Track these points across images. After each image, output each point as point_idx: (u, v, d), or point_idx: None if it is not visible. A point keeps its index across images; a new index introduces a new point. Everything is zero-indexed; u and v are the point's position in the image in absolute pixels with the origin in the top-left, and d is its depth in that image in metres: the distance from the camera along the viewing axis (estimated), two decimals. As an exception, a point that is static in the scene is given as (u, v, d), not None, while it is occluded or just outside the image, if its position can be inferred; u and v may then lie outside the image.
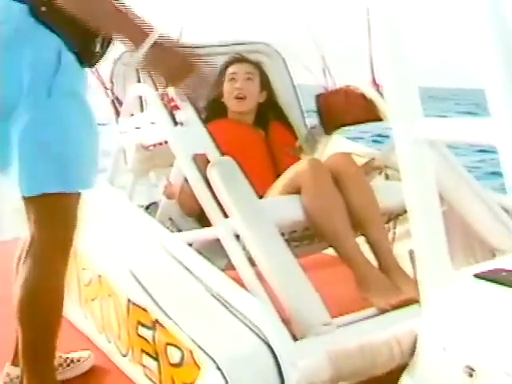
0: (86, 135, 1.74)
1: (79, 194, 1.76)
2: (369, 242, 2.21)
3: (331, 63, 2.88)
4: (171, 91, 2.26)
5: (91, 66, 1.82)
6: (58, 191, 1.68)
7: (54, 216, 1.74)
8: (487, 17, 1.10)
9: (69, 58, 1.68)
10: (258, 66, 2.77)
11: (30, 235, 1.75)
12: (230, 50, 2.94)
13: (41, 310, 1.77)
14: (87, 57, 1.75)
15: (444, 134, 1.33)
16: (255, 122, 2.70)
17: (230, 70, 2.69)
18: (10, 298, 1.81)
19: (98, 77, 2.67)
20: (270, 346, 1.61)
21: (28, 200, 1.71)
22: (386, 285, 2.05)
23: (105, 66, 2.78)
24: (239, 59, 2.76)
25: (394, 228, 2.61)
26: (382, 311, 1.92)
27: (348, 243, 2.14)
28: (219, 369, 1.57)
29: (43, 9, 1.62)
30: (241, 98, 2.65)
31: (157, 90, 2.35)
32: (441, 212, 1.37)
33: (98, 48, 1.75)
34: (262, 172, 2.46)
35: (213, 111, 2.70)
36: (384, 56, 1.31)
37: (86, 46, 1.72)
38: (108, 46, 1.79)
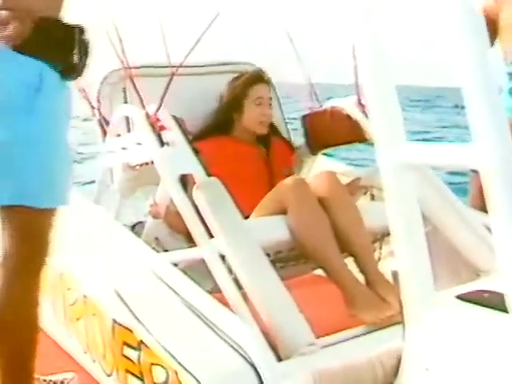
0: (59, 154, 1.76)
1: (53, 210, 1.77)
2: (355, 260, 2.23)
3: (317, 82, 2.90)
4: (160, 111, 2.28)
5: (75, 78, 1.84)
6: (24, 205, 1.69)
7: (24, 229, 1.75)
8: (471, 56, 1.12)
9: (51, 78, 1.70)
10: (270, 87, 2.80)
11: (3, 248, 1.75)
12: (215, 70, 2.96)
13: (14, 327, 1.76)
14: (69, 70, 1.78)
15: (427, 159, 1.35)
16: (257, 140, 2.71)
17: (257, 92, 2.68)
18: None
19: (85, 96, 2.68)
20: (254, 367, 1.62)
21: (1, 210, 1.72)
22: (374, 300, 2.07)
23: (92, 85, 2.81)
24: (262, 79, 2.75)
25: (380, 248, 2.62)
26: (368, 329, 1.93)
27: (334, 261, 2.15)
28: (204, 389, 1.58)
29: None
30: (265, 123, 2.68)
31: (144, 109, 2.36)
32: (424, 234, 1.39)
33: (76, 59, 1.77)
34: (259, 190, 2.45)
35: (216, 125, 2.70)
36: (368, 80, 1.33)
37: (65, 61, 1.75)
38: (86, 55, 1.81)
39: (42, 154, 1.71)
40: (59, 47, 1.74)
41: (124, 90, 2.69)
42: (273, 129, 2.81)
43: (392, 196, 1.38)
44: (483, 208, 2.53)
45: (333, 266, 2.15)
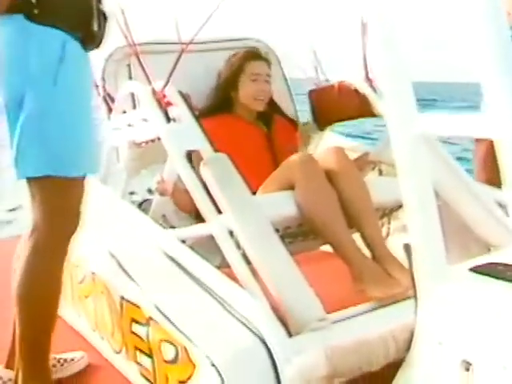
0: (86, 123, 1.80)
1: (82, 180, 1.78)
2: (362, 236, 2.21)
3: (322, 58, 2.87)
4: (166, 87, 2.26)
5: (97, 46, 1.89)
6: (54, 175, 1.72)
7: (53, 201, 1.76)
8: (484, 15, 1.09)
9: (73, 47, 1.75)
10: (268, 62, 2.75)
11: (33, 221, 1.77)
12: (222, 47, 2.93)
13: (38, 298, 1.78)
14: (90, 39, 1.83)
15: (440, 129, 1.33)
16: (258, 118, 2.69)
17: (252, 68, 2.65)
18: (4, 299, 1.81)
19: None
20: (265, 343, 1.61)
21: (30, 183, 1.75)
22: (382, 276, 2.05)
23: (96, 63, 2.79)
24: (258, 56, 2.72)
25: (389, 223, 2.61)
26: (379, 304, 1.91)
27: (342, 236, 2.14)
28: (214, 365, 1.57)
29: (36, 11, 1.69)
30: (261, 99, 2.65)
31: (149, 85, 2.34)
32: (436, 208, 1.37)
33: (96, 27, 1.82)
34: (262, 168, 2.44)
35: (218, 104, 2.68)
36: (379, 54, 1.30)
37: (85, 29, 1.79)
38: (105, 23, 1.87)
39: (68, 124, 1.74)
40: (79, 16, 1.77)
41: (129, 66, 2.66)
42: (274, 106, 2.78)
43: (405, 168, 1.36)
44: (488, 182, 2.51)
45: (340, 241, 2.13)
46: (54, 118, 1.71)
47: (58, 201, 1.77)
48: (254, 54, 2.73)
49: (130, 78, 2.71)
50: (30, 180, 1.75)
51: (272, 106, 2.77)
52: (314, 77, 2.86)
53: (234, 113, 2.67)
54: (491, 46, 1.11)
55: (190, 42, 2.32)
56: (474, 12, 1.09)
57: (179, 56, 2.27)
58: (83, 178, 1.82)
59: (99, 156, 1.89)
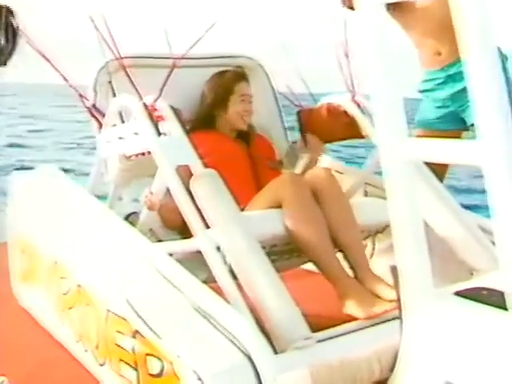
0: None
1: None
2: (345, 256, 2.25)
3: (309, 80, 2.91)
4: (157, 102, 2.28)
5: (4, 62, 1.76)
6: None
7: None
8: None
9: None
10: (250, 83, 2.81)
11: None
12: (212, 63, 2.95)
13: None
14: None
15: (431, 155, 1.36)
16: (238, 135, 2.73)
17: (241, 89, 2.72)
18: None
19: (70, 85, 2.64)
20: (250, 359, 1.62)
21: None
22: (366, 296, 2.08)
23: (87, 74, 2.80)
24: (245, 77, 2.80)
25: (373, 244, 2.64)
26: (364, 324, 1.94)
27: (327, 256, 2.17)
28: (200, 380, 1.58)
29: None
30: (246, 119, 2.72)
31: (141, 99, 2.35)
32: (424, 231, 1.40)
33: (2, 42, 1.70)
34: (244, 184, 2.48)
35: (201, 121, 2.72)
36: (375, 78, 1.34)
37: None
38: (14, 39, 1.73)
39: None
40: None
41: (110, 83, 2.68)
42: (250, 126, 2.82)
43: (394, 193, 1.39)
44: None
45: (325, 261, 2.17)
46: None
47: None
48: (241, 75, 2.80)
49: (114, 94, 2.71)
50: None
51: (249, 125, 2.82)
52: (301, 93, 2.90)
53: (217, 130, 2.71)
54: (482, 73, 1.14)
55: (182, 57, 2.34)
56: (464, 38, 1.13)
57: (171, 70, 2.29)
58: None
59: None
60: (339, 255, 2.26)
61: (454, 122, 2.89)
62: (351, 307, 2.05)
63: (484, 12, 1.12)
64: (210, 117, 2.72)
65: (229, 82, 2.74)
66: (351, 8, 2.80)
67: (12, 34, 1.74)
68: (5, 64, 1.79)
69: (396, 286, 1.46)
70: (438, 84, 2.90)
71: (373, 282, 2.15)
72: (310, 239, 2.18)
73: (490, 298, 1.33)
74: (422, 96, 3.02)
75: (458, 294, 1.39)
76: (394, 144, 1.35)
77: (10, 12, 1.71)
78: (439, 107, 2.93)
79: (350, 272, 2.21)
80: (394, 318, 1.61)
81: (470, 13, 1.11)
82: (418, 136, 2.82)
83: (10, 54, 1.77)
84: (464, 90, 2.77)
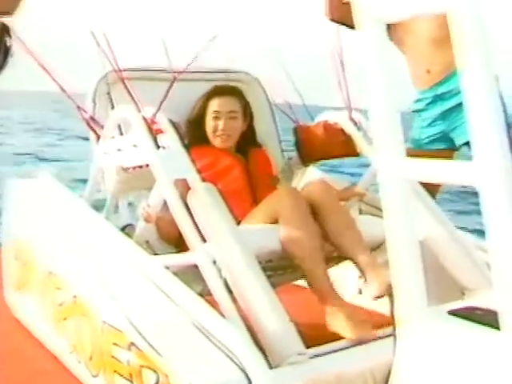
0: None
1: None
2: (355, 263, 2.27)
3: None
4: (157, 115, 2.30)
5: None
6: None
7: None
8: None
9: None
10: (240, 97, 2.77)
11: None
12: (208, 77, 2.96)
13: None
14: None
15: (428, 175, 1.38)
16: (236, 149, 2.74)
17: (213, 106, 2.68)
18: None
19: (68, 96, 2.65)
20: (246, 374, 1.63)
21: None
22: (354, 316, 2.08)
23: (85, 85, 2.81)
24: (221, 92, 2.74)
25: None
26: (358, 341, 1.95)
27: (318, 274, 2.18)
28: (196, 393, 1.59)
29: None
30: (221, 136, 2.67)
31: (139, 111, 2.37)
32: (419, 250, 1.42)
33: None
34: (241, 199, 2.50)
35: (194, 136, 2.71)
36: (375, 96, 1.35)
37: None
38: (6, 55, 1.67)
39: None
40: None
41: (109, 94, 2.69)
42: (249, 140, 2.81)
43: (391, 210, 1.40)
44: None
45: (316, 279, 2.18)
46: None
47: None
48: (219, 91, 2.75)
49: (112, 106, 2.72)
50: None
51: (251, 137, 2.82)
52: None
53: (212, 145, 2.70)
54: (478, 88, 1.16)
55: (182, 71, 2.36)
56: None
57: (171, 84, 2.31)
58: None
59: None
60: (348, 263, 2.27)
61: (443, 142, 2.93)
62: (339, 328, 2.04)
63: (481, 26, 1.13)
64: (200, 131, 2.71)
65: (202, 99, 2.73)
66: (333, 21, 2.84)
67: (4, 50, 1.65)
68: None
69: (391, 303, 1.47)
70: (427, 104, 2.94)
71: (382, 277, 2.14)
72: (303, 256, 2.20)
73: (484, 317, 1.35)
74: (414, 116, 3.06)
75: (451, 312, 1.41)
76: (390, 164, 1.36)
77: (5, 29, 1.64)
78: (429, 127, 2.97)
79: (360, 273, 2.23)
80: (388, 336, 1.62)
81: (467, 27, 1.12)
82: (408, 154, 2.84)
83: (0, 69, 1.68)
84: (452, 109, 2.82)
